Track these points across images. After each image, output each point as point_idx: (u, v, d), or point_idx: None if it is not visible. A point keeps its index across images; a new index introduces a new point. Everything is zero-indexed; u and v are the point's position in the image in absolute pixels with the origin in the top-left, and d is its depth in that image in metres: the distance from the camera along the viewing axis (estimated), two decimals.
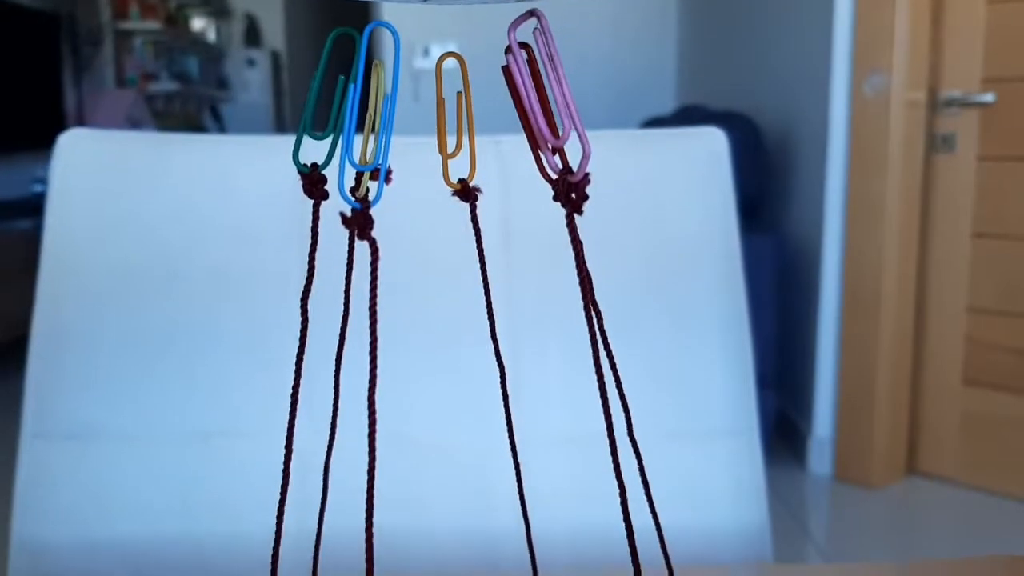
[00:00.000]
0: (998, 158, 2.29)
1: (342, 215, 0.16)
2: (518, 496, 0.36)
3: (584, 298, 0.26)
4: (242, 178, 0.57)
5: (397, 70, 0.18)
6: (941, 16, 2.34)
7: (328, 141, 0.21)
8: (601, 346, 0.28)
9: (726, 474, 0.56)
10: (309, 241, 0.50)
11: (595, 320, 0.27)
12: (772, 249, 2.49)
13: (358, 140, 0.24)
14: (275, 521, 0.54)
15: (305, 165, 0.18)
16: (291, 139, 0.58)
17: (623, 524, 0.30)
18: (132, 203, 0.56)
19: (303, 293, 0.23)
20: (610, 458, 0.29)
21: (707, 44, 3.60)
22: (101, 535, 0.54)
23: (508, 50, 0.20)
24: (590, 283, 0.26)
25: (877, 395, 2.40)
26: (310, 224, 0.56)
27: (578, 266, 0.26)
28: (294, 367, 0.34)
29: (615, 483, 0.47)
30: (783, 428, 2.69)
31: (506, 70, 0.20)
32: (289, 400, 0.35)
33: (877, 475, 2.39)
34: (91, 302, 0.55)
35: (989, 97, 2.29)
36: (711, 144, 0.56)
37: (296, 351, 0.33)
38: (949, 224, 2.39)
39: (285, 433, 0.55)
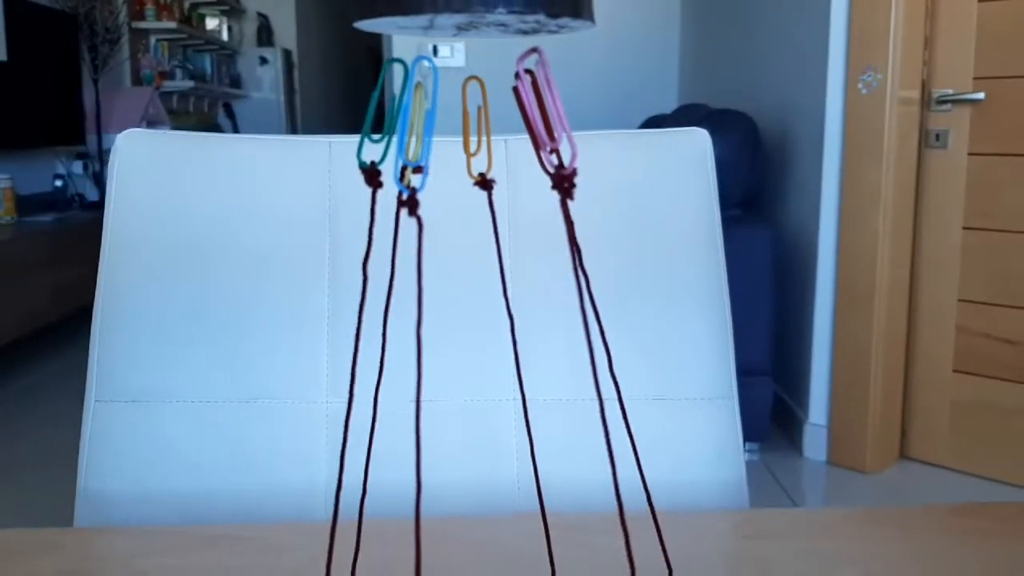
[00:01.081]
0: (988, 154, 2.37)
1: (398, 197, 0.24)
2: (530, 449, 0.45)
3: (574, 265, 0.35)
4: (278, 172, 0.66)
5: (435, 96, 0.27)
6: (934, 16, 2.42)
7: (359, 143, 0.29)
8: (589, 307, 0.37)
9: (707, 435, 0.65)
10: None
11: (584, 283, 0.36)
12: (769, 241, 2.58)
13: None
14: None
15: (365, 162, 0.27)
16: (316, 139, 0.67)
17: (604, 476, 0.40)
18: (181, 194, 0.65)
19: (364, 259, 0.32)
20: (596, 421, 0.38)
21: (708, 44, 3.68)
22: (155, 487, 0.64)
23: (517, 76, 0.29)
24: (579, 253, 0.35)
25: (870, 383, 2.48)
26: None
27: (570, 239, 0.35)
28: (356, 320, 0.44)
29: (598, 442, 0.57)
30: (780, 414, 2.78)
31: (515, 90, 0.29)
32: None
33: (870, 460, 2.48)
34: (147, 282, 0.65)
35: (980, 95, 2.37)
36: (697, 143, 0.66)
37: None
38: (941, 217, 2.47)
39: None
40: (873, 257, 2.46)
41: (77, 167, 5.22)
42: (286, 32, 8.17)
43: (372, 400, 0.50)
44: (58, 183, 4.99)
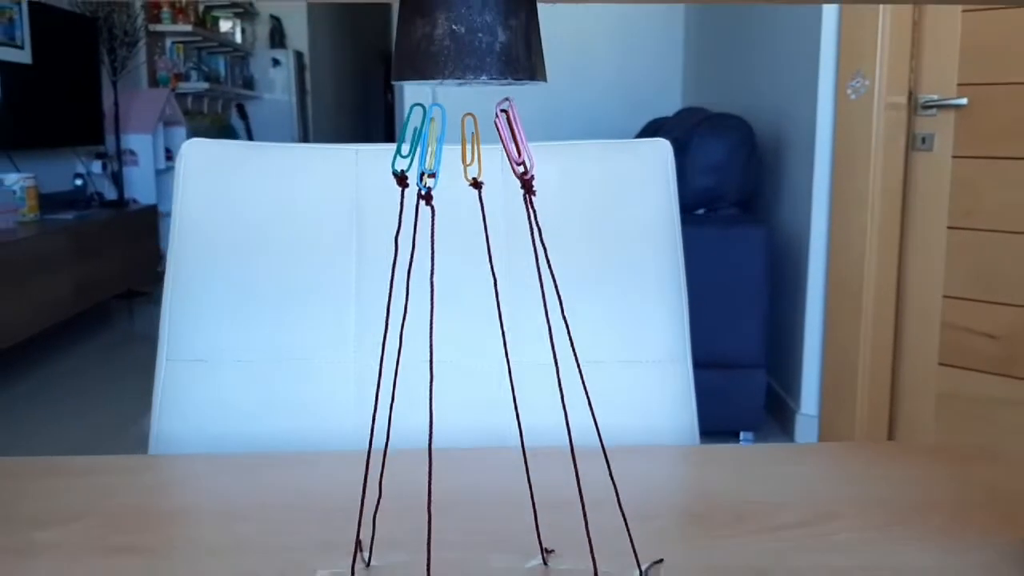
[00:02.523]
0: (971, 156, 2.49)
1: (418, 193, 0.37)
2: (512, 400, 0.57)
3: (534, 248, 0.48)
4: (313, 173, 0.79)
5: (443, 129, 0.39)
6: (920, 26, 2.54)
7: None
8: (552, 281, 0.49)
9: (665, 391, 0.78)
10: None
11: (546, 262, 0.49)
12: (763, 239, 2.70)
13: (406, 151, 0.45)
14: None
15: (397, 170, 0.40)
16: (345, 147, 0.80)
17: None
18: (234, 190, 0.78)
19: (396, 233, 0.44)
20: (577, 378, 0.50)
21: (709, 52, 3.81)
22: (215, 430, 0.77)
23: (496, 115, 0.41)
24: (542, 238, 0.47)
25: (859, 375, 2.60)
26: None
27: (532, 226, 0.48)
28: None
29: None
30: (773, 405, 2.90)
31: (495, 123, 0.41)
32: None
33: None
34: (206, 264, 0.78)
35: (963, 101, 2.49)
36: (659, 151, 0.78)
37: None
38: (927, 217, 2.59)
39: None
40: (862, 255, 2.57)
41: (96, 166, 5.37)
42: (298, 34, 8.33)
43: (395, 357, 0.63)
44: (78, 182, 5.14)
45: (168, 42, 6.50)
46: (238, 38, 7.69)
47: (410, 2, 0.35)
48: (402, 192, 0.39)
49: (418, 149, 0.37)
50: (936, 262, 2.57)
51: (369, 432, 0.76)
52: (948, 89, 2.51)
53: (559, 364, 0.75)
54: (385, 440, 0.48)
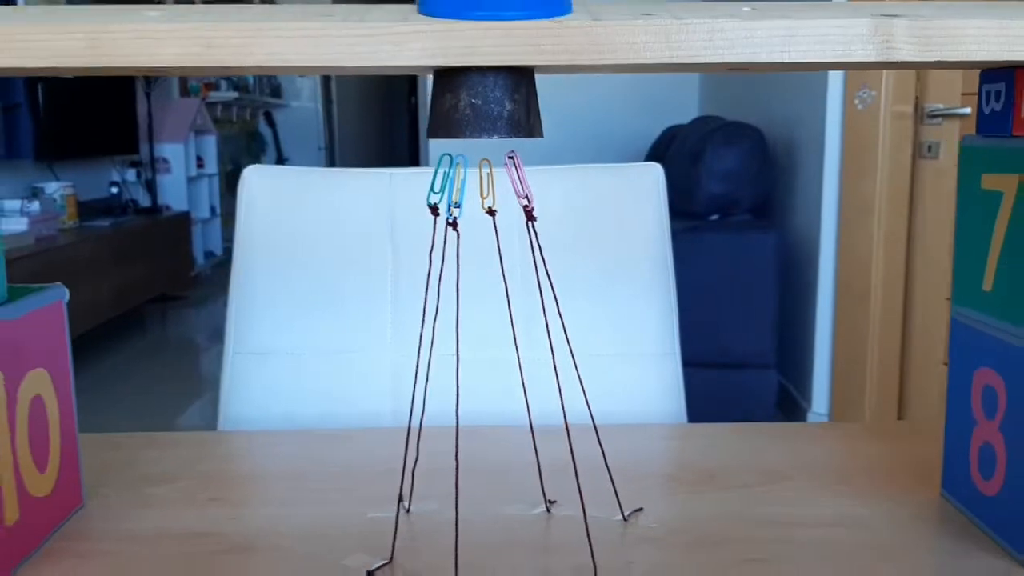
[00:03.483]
0: None
1: (446, 222, 0.49)
2: (522, 388, 0.69)
3: (536, 264, 0.60)
4: (354, 193, 0.91)
5: (466, 174, 0.51)
6: None
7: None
8: (551, 288, 0.61)
9: (656, 382, 0.90)
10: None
11: (547, 275, 0.61)
12: (775, 244, 2.80)
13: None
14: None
15: (431, 203, 0.52)
16: (381, 171, 0.92)
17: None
18: (288, 209, 0.91)
19: (430, 250, 0.56)
20: (576, 369, 0.62)
21: None
22: (273, 412, 0.89)
23: (505, 163, 0.53)
24: (543, 256, 0.59)
25: (868, 375, 2.70)
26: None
27: (533, 246, 0.60)
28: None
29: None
30: (784, 404, 3.00)
31: (506, 167, 0.54)
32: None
33: None
34: (265, 273, 0.91)
35: (967, 110, 2.58)
36: (652, 174, 0.90)
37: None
38: (932, 222, 2.69)
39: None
40: (870, 258, 2.67)
41: (131, 175, 5.55)
42: None
43: (428, 352, 0.75)
44: (113, 190, 5.32)
45: None
46: None
47: (440, 82, 0.47)
48: (435, 220, 0.51)
49: (447, 187, 0.50)
50: (942, 265, 2.66)
51: (403, 415, 0.88)
52: (952, 99, 2.60)
53: (563, 357, 0.87)
54: (420, 416, 0.60)
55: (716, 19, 0.45)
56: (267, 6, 0.48)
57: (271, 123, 8.09)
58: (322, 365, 0.89)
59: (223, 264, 6.49)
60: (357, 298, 0.89)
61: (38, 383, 0.54)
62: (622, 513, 0.58)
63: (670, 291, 0.90)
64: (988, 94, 0.54)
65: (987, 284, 0.54)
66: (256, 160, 8.03)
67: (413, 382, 0.89)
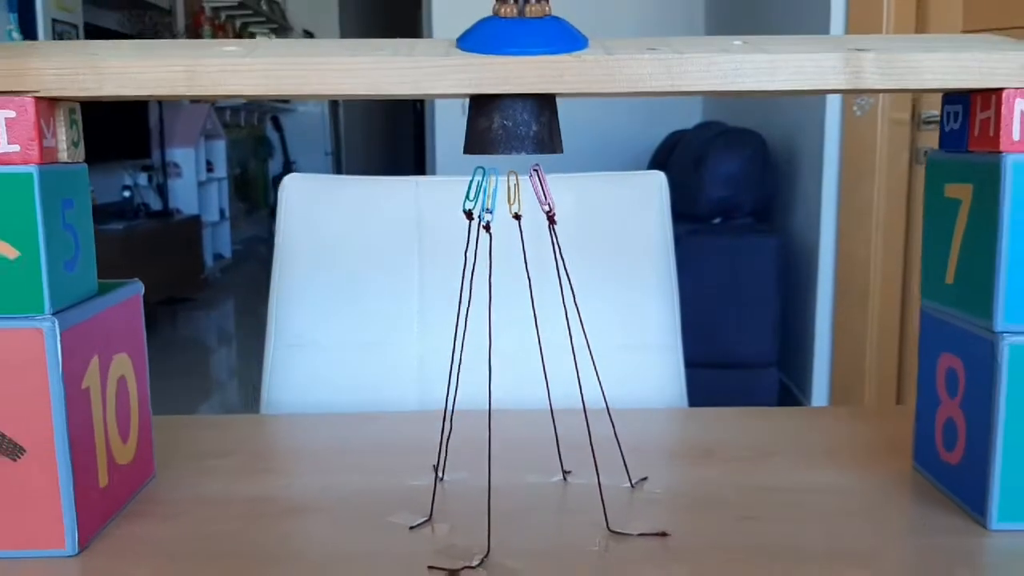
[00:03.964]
0: None
1: (478, 224, 0.56)
2: (543, 375, 0.76)
3: (557, 264, 0.68)
4: (383, 199, 1.00)
5: (495, 195, 0.59)
6: None
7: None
8: (569, 286, 0.69)
9: (659, 371, 0.98)
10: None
11: (566, 274, 0.68)
12: (776, 247, 2.88)
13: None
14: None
15: (466, 208, 0.59)
16: (408, 179, 1.00)
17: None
18: (324, 213, 0.99)
19: (465, 248, 0.64)
20: (590, 360, 0.69)
21: None
22: (309, 399, 0.97)
23: (530, 174, 0.61)
24: (562, 255, 0.67)
25: (867, 373, 2.77)
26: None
27: (554, 247, 0.68)
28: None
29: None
30: (785, 402, 3.07)
31: (530, 178, 0.61)
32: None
33: None
34: (303, 272, 0.99)
35: None
36: (656, 182, 0.98)
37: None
38: None
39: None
40: (868, 261, 2.75)
41: (142, 179, 5.64)
42: None
43: (462, 339, 0.83)
44: (126, 193, 5.41)
45: None
46: None
47: (476, 106, 0.55)
48: (468, 224, 0.59)
49: (481, 195, 0.58)
50: None
51: (428, 402, 0.96)
52: None
53: (577, 348, 0.94)
54: (454, 394, 0.68)
55: (711, 53, 0.53)
56: (323, 41, 0.56)
57: (278, 128, 8.18)
58: (354, 356, 0.97)
59: (232, 267, 6.58)
60: (386, 294, 0.97)
61: (122, 366, 0.63)
62: (630, 480, 0.66)
63: (672, 289, 0.98)
64: (948, 114, 0.62)
65: (949, 279, 0.62)
66: (263, 164, 8.13)
67: (443, 369, 0.97)
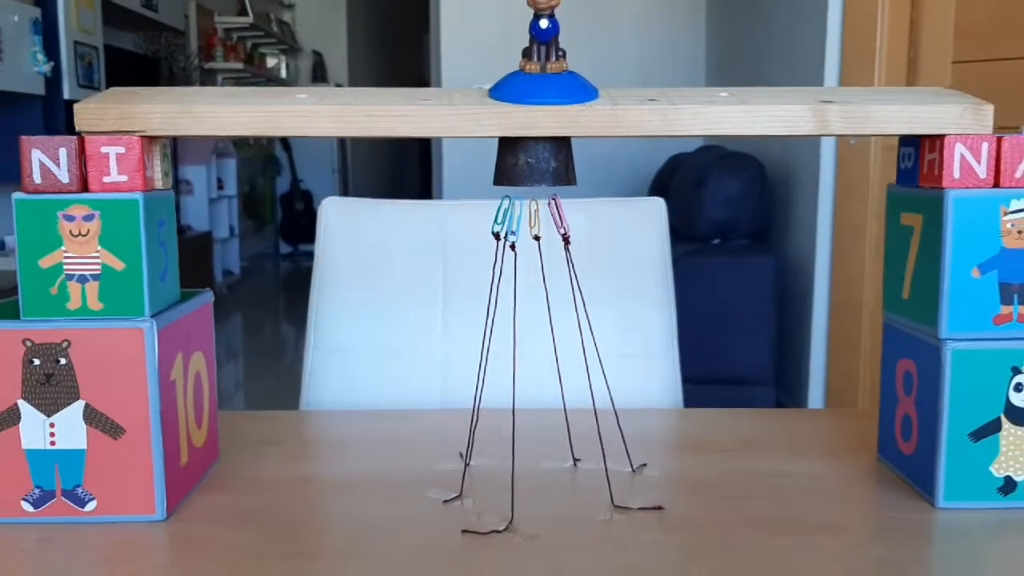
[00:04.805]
0: None
1: (505, 243, 0.67)
2: (558, 378, 0.86)
3: (570, 277, 0.79)
4: (411, 219, 1.11)
5: (520, 221, 0.70)
6: (914, 76, 2.83)
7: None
8: (581, 299, 0.80)
9: (656, 376, 1.08)
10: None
11: (576, 285, 0.79)
12: (772, 267, 2.98)
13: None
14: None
15: (494, 231, 0.70)
16: (433, 203, 1.11)
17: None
18: (359, 231, 1.10)
19: (493, 265, 0.75)
20: (599, 364, 0.79)
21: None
22: (345, 399, 1.08)
23: (549, 203, 0.72)
24: (576, 273, 0.78)
25: (860, 389, 2.87)
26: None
27: (569, 265, 0.78)
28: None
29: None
30: None
31: (548, 205, 0.72)
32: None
33: None
34: (339, 285, 1.09)
35: None
36: (656, 207, 1.09)
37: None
38: None
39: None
40: (861, 279, 2.85)
41: None
42: (338, 69, 8.74)
43: (488, 342, 0.94)
44: None
45: (219, 78, 6.92)
46: (283, 73, 8.11)
47: (504, 145, 0.66)
48: (496, 244, 0.70)
49: (506, 221, 0.68)
50: None
51: (451, 402, 1.07)
52: None
53: (586, 354, 1.05)
54: (480, 389, 0.78)
55: (699, 104, 0.64)
56: (379, 90, 0.67)
57: (287, 147, 8.32)
58: (384, 360, 1.08)
59: (239, 283, 6.69)
60: (413, 304, 1.08)
61: (199, 363, 0.73)
62: (631, 466, 0.76)
63: (670, 303, 1.09)
64: (904, 155, 0.73)
65: (905, 295, 0.73)
66: (271, 182, 8.27)
67: (463, 372, 1.08)
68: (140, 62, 5.24)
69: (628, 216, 1.08)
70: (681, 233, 3.35)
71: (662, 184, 3.80)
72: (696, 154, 3.58)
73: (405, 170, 10.88)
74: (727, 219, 3.14)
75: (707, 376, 2.99)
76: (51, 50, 3.58)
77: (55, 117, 3.62)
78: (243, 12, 6.95)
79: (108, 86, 4.49)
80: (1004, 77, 2.66)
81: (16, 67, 3.29)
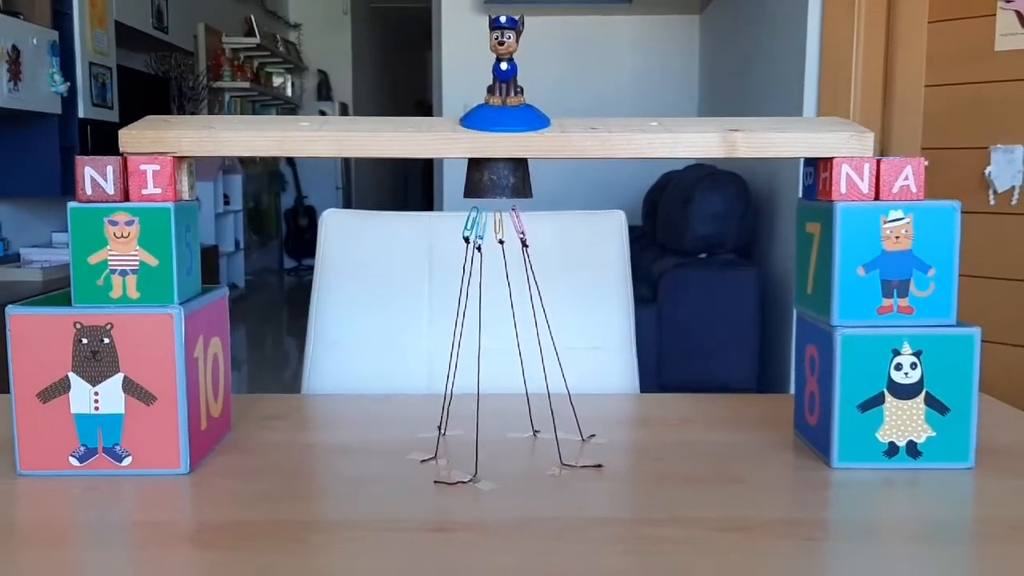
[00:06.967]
0: None
1: (472, 246, 0.80)
2: (521, 369, 1.00)
3: (527, 275, 0.93)
4: (401, 229, 1.25)
5: (488, 219, 0.84)
6: (889, 98, 2.98)
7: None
8: (539, 297, 0.93)
9: (616, 368, 1.22)
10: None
11: (535, 286, 0.93)
12: (756, 280, 3.12)
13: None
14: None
15: (465, 236, 0.84)
16: (421, 215, 1.25)
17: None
18: (356, 239, 1.24)
19: (463, 265, 0.89)
20: (556, 356, 0.93)
21: (719, 112, 4.27)
22: (343, 387, 1.22)
23: (511, 212, 0.86)
24: (533, 273, 0.92)
25: None
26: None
27: (527, 267, 0.93)
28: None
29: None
30: None
31: (510, 216, 0.86)
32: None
33: None
34: (338, 286, 1.24)
35: (925, 162, 2.91)
36: (616, 218, 1.23)
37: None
38: None
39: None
40: None
41: None
42: (343, 87, 8.93)
43: (460, 336, 1.07)
44: None
45: (227, 96, 7.09)
46: (289, 91, 8.29)
47: (473, 165, 0.80)
48: (467, 247, 0.84)
49: (475, 226, 0.83)
50: None
51: (436, 388, 1.21)
52: (913, 151, 2.93)
53: (541, 342, 1.18)
54: (453, 375, 0.92)
55: (632, 132, 0.78)
56: (371, 119, 0.81)
57: (291, 163, 8.49)
58: (376, 352, 1.22)
59: (244, 297, 6.84)
60: (403, 303, 1.22)
61: (216, 346, 0.87)
62: (581, 435, 0.90)
63: (629, 303, 1.23)
64: (806, 173, 0.87)
65: (810, 290, 0.87)
66: (276, 198, 8.43)
67: (447, 362, 1.21)
68: (151, 81, 5.40)
69: (592, 226, 1.22)
70: (669, 247, 3.49)
71: (653, 201, 3.95)
72: (685, 172, 3.73)
73: (409, 186, 11.04)
74: (713, 234, 3.28)
75: (693, 384, 3.13)
76: (67, 71, 3.74)
77: (70, 134, 3.78)
78: (250, 33, 7.13)
79: (121, 105, 4.65)
80: (972, 98, 2.80)
81: (35, 87, 3.45)
